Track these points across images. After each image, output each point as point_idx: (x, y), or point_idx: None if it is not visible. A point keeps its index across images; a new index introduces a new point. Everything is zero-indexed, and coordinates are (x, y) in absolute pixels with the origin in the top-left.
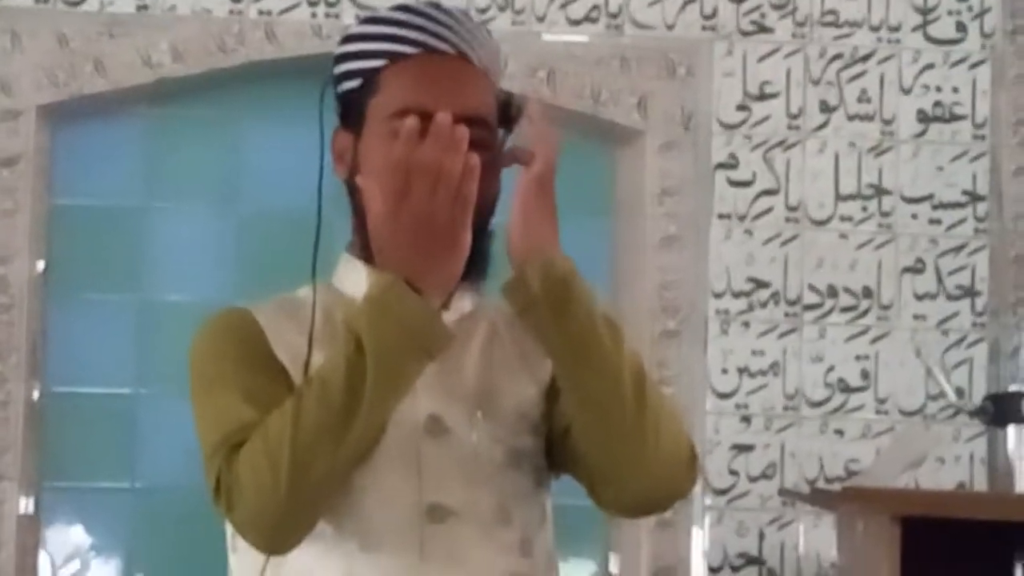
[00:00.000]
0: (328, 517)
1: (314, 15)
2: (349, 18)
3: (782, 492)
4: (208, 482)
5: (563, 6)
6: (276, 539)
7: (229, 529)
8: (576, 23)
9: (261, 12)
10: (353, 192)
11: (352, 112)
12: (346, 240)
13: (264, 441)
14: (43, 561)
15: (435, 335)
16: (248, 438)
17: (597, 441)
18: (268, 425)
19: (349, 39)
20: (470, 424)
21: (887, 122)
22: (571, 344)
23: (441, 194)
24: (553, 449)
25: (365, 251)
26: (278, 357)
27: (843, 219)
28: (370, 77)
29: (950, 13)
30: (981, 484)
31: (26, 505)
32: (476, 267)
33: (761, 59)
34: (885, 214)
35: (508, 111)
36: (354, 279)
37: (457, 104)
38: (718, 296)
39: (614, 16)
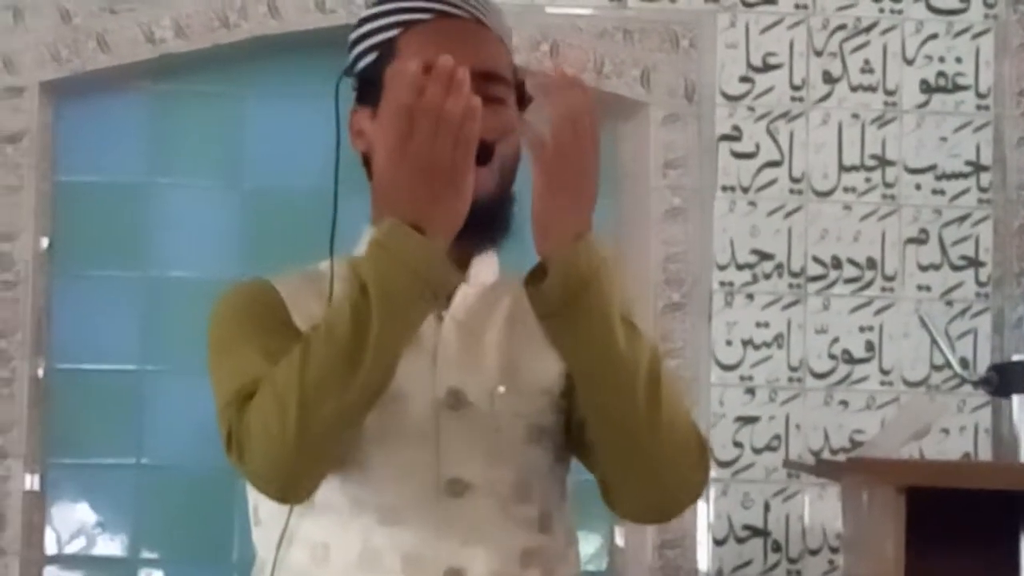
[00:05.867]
0: (345, 490)
1: None
2: None
3: (787, 464)
4: (221, 434)
5: None
6: (288, 486)
7: (251, 501)
8: None
9: None
10: (370, 166)
11: (370, 86)
12: (354, 218)
13: (272, 387)
14: (49, 538)
15: (440, 275)
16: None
17: (609, 453)
18: (276, 372)
19: (363, 21)
20: (491, 399)
21: (890, 93)
22: (586, 357)
23: (442, 136)
24: (571, 432)
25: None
26: (296, 325)
27: (847, 190)
28: (386, 46)
29: None
30: (986, 454)
31: (31, 482)
32: (497, 231)
33: (764, 30)
34: (888, 185)
35: (523, 91)
36: None
37: (472, 60)
38: (722, 268)
39: None
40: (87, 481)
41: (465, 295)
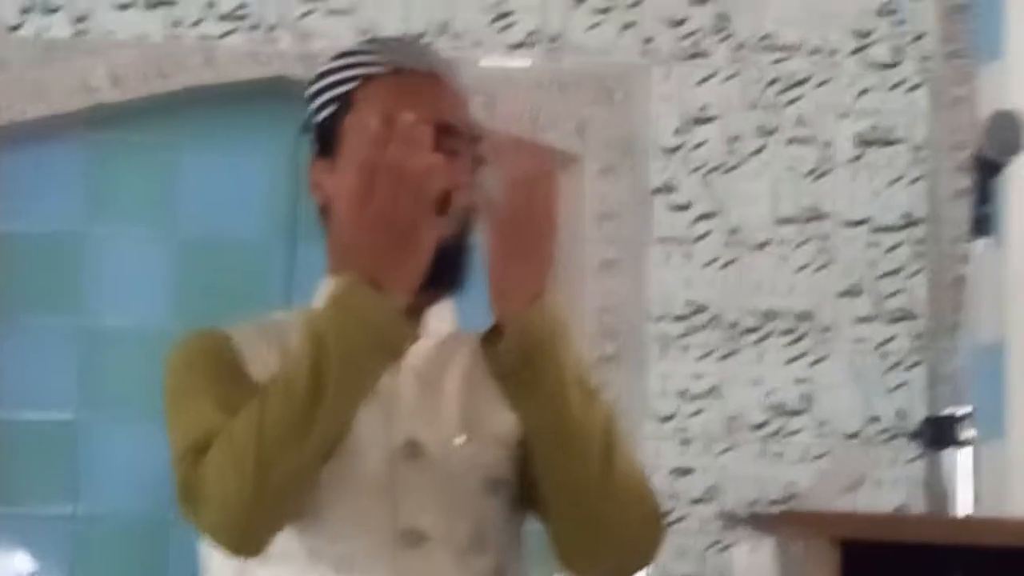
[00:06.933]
0: (301, 539)
1: (252, 41)
2: (287, 44)
3: (721, 516)
4: (176, 487)
5: (501, 31)
6: (243, 539)
7: (202, 551)
8: (514, 48)
9: (200, 37)
10: (328, 218)
11: (328, 138)
12: (303, 265)
13: (229, 441)
14: None
15: (399, 333)
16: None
17: (562, 513)
18: (233, 426)
19: (321, 75)
20: (449, 449)
21: (825, 146)
22: (540, 418)
23: (404, 194)
24: (526, 485)
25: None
26: (251, 376)
27: (781, 243)
28: (343, 99)
29: (887, 37)
30: (919, 507)
31: None
32: (453, 281)
33: (699, 83)
34: (823, 238)
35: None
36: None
37: (429, 113)
38: (657, 320)
39: (552, 41)
40: (24, 530)
41: (422, 345)
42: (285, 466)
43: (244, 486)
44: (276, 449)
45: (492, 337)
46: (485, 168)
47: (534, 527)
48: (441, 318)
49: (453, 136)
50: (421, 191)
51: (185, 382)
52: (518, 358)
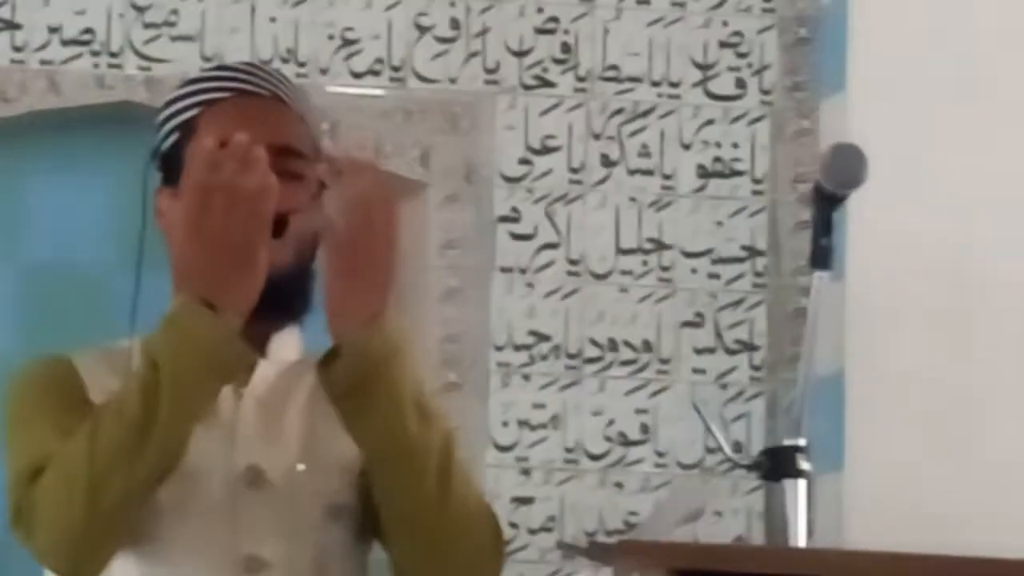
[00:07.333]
0: (141, 566)
1: (96, 65)
2: (132, 68)
3: (560, 545)
4: (9, 512)
5: (347, 58)
6: (76, 563)
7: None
8: (359, 76)
9: (43, 62)
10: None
11: (173, 165)
12: (150, 292)
13: (61, 464)
14: None
15: (231, 353)
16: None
17: (399, 538)
18: (65, 448)
19: (167, 103)
20: (290, 476)
21: (667, 177)
22: (375, 441)
23: (237, 213)
24: (369, 512)
25: None
26: (93, 402)
27: (623, 273)
28: (187, 126)
29: (730, 69)
30: (758, 538)
31: None
32: (296, 306)
33: (543, 113)
34: (665, 268)
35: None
36: None
37: (269, 135)
38: (499, 349)
39: (397, 69)
40: None
41: (265, 372)
42: (116, 489)
43: (75, 510)
44: (107, 472)
45: (329, 360)
46: (325, 192)
47: (379, 555)
48: (287, 344)
49: (295, 159)
50: (255, 211)
51: (25, 408)
52: (351, 380)
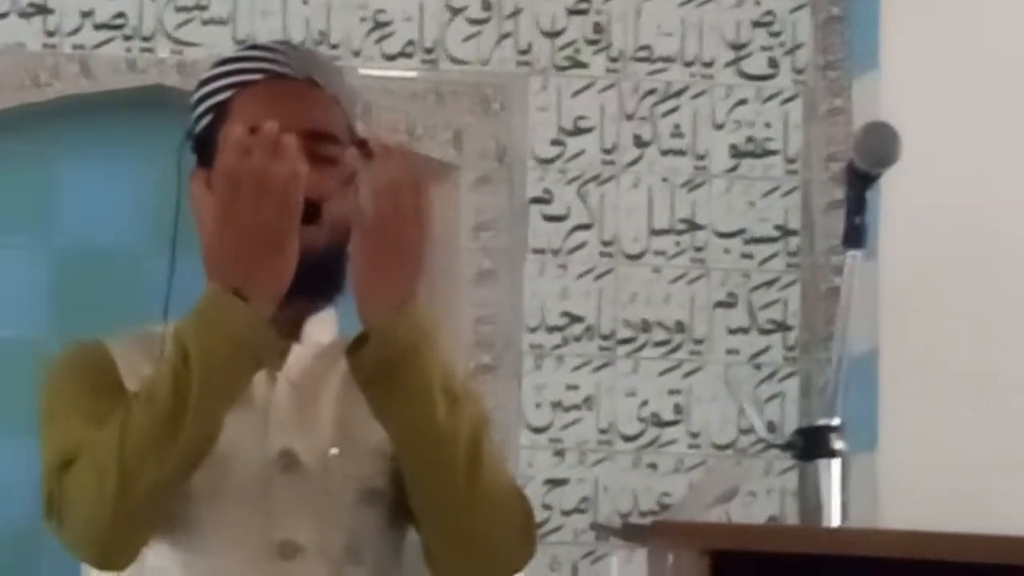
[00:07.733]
0: (175, 552)
1: (128, 50)
2: (164, 52)
3: (594, 526)
4: (42, 503)
5: (379, 41)
6: (106, 553)
7: (83, 566)
8: (392, 58)
9: (75, 46)
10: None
11: (206, 148)
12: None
13: (92, 455)
14: None
15: (262, 342)
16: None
17: (429, 523)
18: (96, 439)
19: (200, 83)
20: (324, 460)
21: (700, 157)
22: (404, 427)
23: (266, 201)
24: (405, 496)
25: None
26: (128, 388)
27: (656, 253)
28: (220, 108)
29: (763, 49)
30: (792, 518)
31: None
32: (330, 289)
33: (575, 94)
34: (698, 248)
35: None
36: None
37: (302, 120)
38: (532, 331)
39: (429, 51)
40: None
41: (300, 355)
42: (148, 478)
43: (105, 500)
44: (138, 461)
45: (357, 345)
46: (359, 175)
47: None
48: (322, 327)
49: (328, 143)
50: (284, 199)
51: (58, 396)
52: (380, 365)
